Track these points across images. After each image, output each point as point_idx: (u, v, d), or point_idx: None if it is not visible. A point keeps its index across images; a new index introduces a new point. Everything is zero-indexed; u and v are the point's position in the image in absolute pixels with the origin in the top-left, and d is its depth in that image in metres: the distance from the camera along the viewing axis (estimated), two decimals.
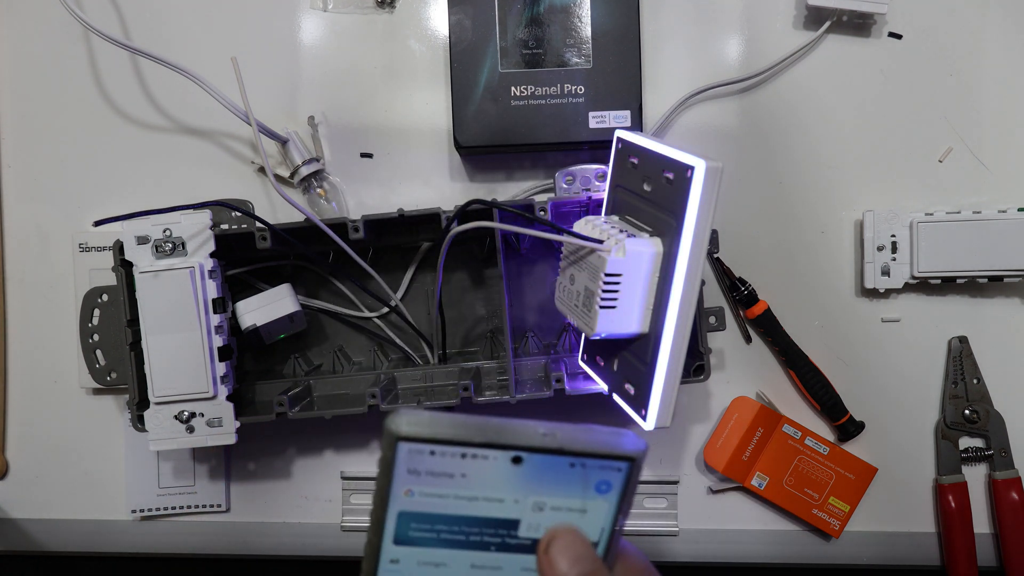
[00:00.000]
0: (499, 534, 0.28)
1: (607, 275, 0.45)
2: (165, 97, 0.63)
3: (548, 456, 0.27)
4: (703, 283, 0.55)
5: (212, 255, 0.53)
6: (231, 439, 0.54)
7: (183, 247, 0.53)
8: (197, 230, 0.53)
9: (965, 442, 0.62)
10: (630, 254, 0.45)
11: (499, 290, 0.59)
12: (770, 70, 0.61)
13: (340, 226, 0.54)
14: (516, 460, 0.27)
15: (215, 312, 0.53)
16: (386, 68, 0.63)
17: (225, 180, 0.63)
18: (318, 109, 0.62)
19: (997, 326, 0.61)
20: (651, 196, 0.46)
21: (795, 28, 0.62)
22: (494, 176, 0.63)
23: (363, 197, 0.63)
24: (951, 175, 0.61)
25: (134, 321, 0.53)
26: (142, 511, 0.63)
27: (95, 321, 0.58)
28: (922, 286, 0.61)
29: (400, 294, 0.60)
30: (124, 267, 0.53)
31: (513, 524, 0.28)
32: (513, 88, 0.57)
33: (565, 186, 0.57)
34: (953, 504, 0.60)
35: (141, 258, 0.53)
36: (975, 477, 0.62)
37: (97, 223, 0.53)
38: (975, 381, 0.61)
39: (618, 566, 0.30)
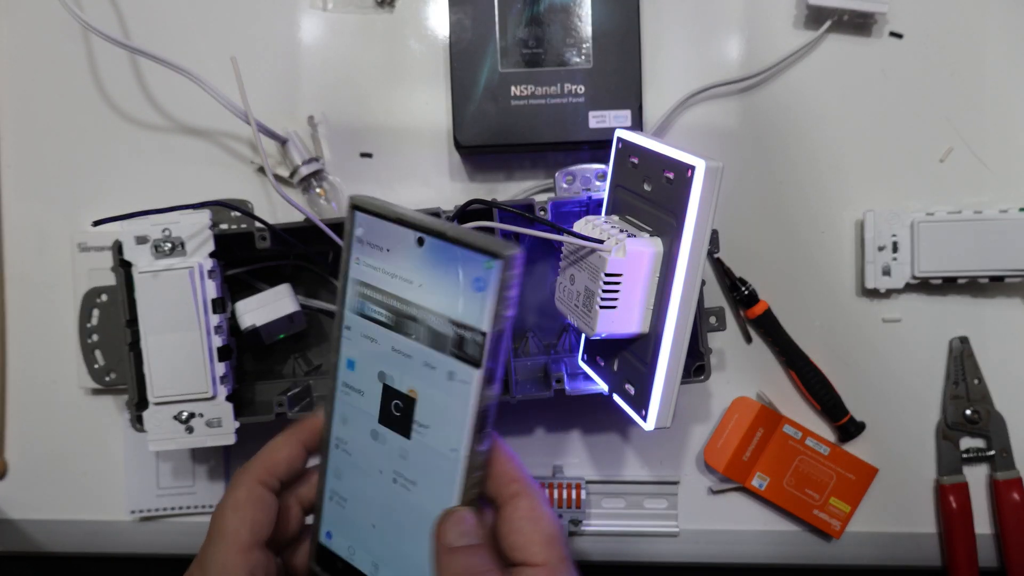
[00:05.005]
0: (409, 322, 0.34)
1: (607, 275, 0.45)
2: (165, 97, 0.63)
3: (440, 242, 0.32)
4: (703, 283, 0.55)
5: (212, 255, 0.53)
6: (231, 439, 0.54)
7: (182, 247, 0.53)
8: (196, 230, 0.53)
9: (966, 443, 0.62)
10: (630, 254, 0.45)
11: None
12: (771, 70, 0.61)
13: (340, 226, 0.54)
14: (420, 241, 0.33)
15: (215, 312, 0.53)
16: (386, 68, 0.62)
17: (225, 180, 0.63)
18: (318, 109, 0.62)
19: (998, 326, 0.61)
20: (651, 196, 0.46)
21: (795, 28, 0.62)
22: (494, 176, 0.62)
23: None
24: (952, 175, 0.61)
25: (133, 321, 0.53)
26: (141, 512, 0.63)
27: (94, 321, 0.58)
28: (923, 286, 0.61)
29: None
30: (123, 267, 0.53)
31: (418, 312, 0.33)
32: (513, 88, 0.57)
33: (565, 186, 0.57)
34: (954, 505, 0.60)
35: (140, 258, 0.53)
36: (976, 478, 0.61)
37: (96, 223, 0.53)
38: (976, 381, 0.61)
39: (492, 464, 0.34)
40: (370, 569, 0.36)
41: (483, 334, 0.31)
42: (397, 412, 0.34)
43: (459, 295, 0.32)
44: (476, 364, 0.32)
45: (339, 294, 0.35)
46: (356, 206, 0.34)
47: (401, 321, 0.34)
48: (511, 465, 0.33)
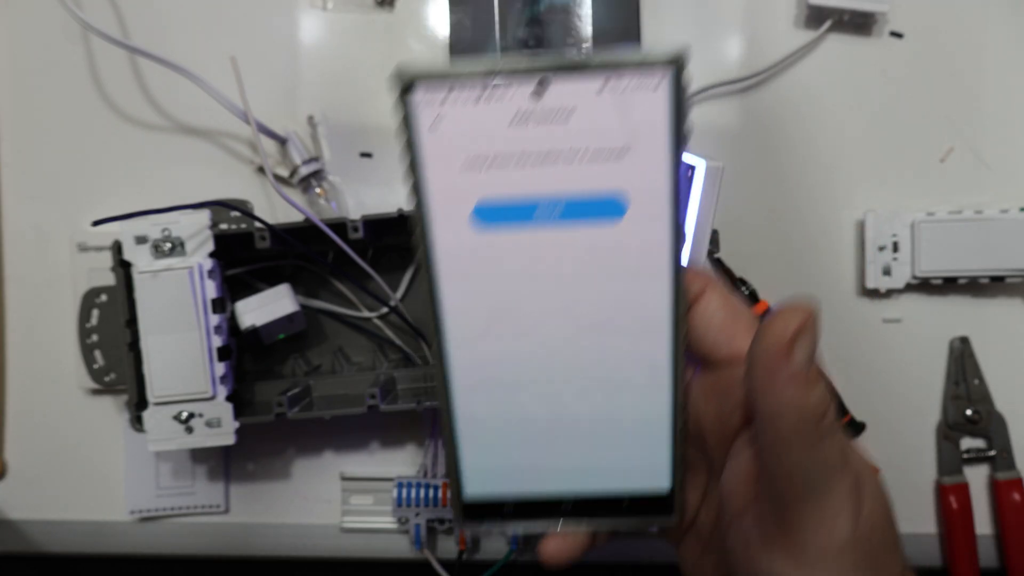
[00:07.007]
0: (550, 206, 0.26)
1: None
2: (165, 97, 0.63)
3: (575, 78, 0.23)
4: None
5: (211, 255, 0.53)
6: (230, 439, 0.54)
7: (182, 247, 0.53)
8: (196, 230, 0.53)
9: (967, 443, 0.61)
10: None
11: None
12: (771, 70, 0.61)
13: (340, 226, 0.54)
14: (537, 92, 0.24)
15: (214, 312, 0.53)
16: (386, 68, 0.62)
17: (224, 180, 0.63)
18: (318, 109, 0.62)
19: (999, 327, 0.61)
20: None
21: (796, 28, 0.62)
22: None
23: (363, 197, 0.62)
24: (953, 175, 0.61)
25: (133, 321, 0.53)
26: (141, 512, 0.63)
27: (93, 321, 0.58)
28: (923, 286, 0.61)
29: (400, 294, 0.60)
30: (123, 267, 0.53)
31: (562, 184, 0.25)
32: None
33: None
34: (954, 505, 0.60)
35: (140, 258, 0.53)
36: (977, 478, 0.61)
37: (96, 223, 0.53)
38: (976, 382, 0.61)
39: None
40: (568, 480, 0.27)
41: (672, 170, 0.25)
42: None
43: (615, 140, 0.24)
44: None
45: (421, 224, 0.25)
46: (416, 76, 0.24)
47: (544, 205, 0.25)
48: (685, 270, 0.28)
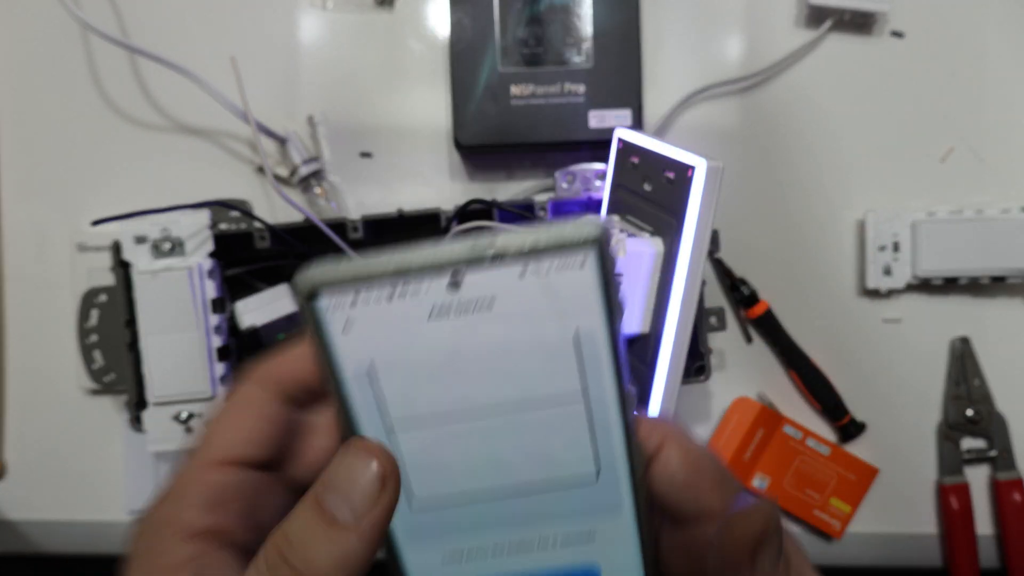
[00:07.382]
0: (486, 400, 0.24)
1: None
2: (164, 97, 0.63)
3: (491, 268, 0.22)
4: (704, 283, 0.55)
5: (211, 255, 0.53)
6: None
7: (182, 247, 0.53)
8: (196, 230, 0.53)
9: (967, 443, 0.61)
10: (631, 254, 0.44)
11: None
12: (771, 69, 0.61)
13: (339, 226, 0.54)
14: (454, 284, 0.22)
15: (214, 312, 0.53)
16: (386, 68, 0.62)
17: (224, 180, 0.63)
18: (318, 109, 0.62)
19: (999, 327, 0.61)
20: (652, 196, 0.46)
21: (796, 27, 0.61)
22: (494, 176, 0.62)
23: (363, 197, 0.62)
24: (953, 175, 0.61)
25: (132, 321, 0.53)
26: (140, 512, 0.63)
27: (93, 321, 0.58)
28: (924, 286, 0.61)
29: None
30: (122, 267, 0.53)
31: (493, 375, 0.24)
32: (513, 87, 0.57)
33: (565, 186, 0.57)
34: (955, 505, 0.60)
35: (139, 258, 0.53)
36: (977, 478, 0.61)
37: (95, 223, 0.53)
38: (977, 382, 0.61)
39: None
40: None
41: (612, 353, 0.24)
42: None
43: (552, 324, 0.23)
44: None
45: (348, 424, 0.24)
46: (319, 285, 0.22)
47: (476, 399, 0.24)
48: (640, 421, 0.27)
